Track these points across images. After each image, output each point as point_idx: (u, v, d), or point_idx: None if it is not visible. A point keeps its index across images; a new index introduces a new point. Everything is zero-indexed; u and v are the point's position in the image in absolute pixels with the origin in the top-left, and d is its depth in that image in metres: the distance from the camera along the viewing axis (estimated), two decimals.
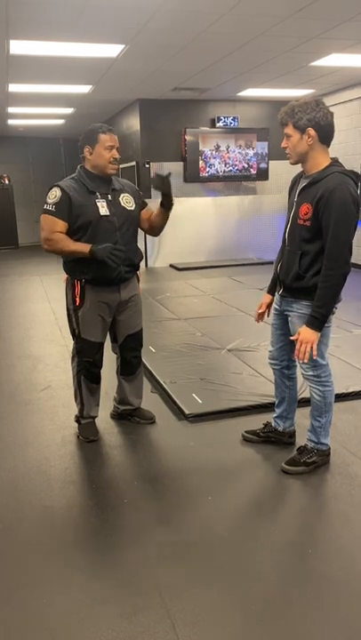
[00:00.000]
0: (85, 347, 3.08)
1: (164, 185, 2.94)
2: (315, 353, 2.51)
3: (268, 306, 2.93)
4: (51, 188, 2.90)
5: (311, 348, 2.49)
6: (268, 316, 2.95)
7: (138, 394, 3.40)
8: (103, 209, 2.90)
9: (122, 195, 3.01)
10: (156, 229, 3.19)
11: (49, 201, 2.86)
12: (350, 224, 2.42)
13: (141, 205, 3.14)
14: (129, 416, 3.41)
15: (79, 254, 2.87)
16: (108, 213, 2.91)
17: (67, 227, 2.87)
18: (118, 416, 3.43)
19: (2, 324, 5.97)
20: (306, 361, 2.58)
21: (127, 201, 3.02)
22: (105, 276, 2.95)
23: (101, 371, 3.21)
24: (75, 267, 2.98)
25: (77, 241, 2.89)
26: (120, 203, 2.98)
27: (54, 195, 2.86)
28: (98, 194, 2.93)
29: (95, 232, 2.90)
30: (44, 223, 2.89)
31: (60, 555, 2.25)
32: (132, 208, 3.03)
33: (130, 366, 3.29)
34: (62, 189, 2.86)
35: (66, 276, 3.07)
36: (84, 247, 2.85)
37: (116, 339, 3.22)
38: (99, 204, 2.90)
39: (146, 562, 2.17)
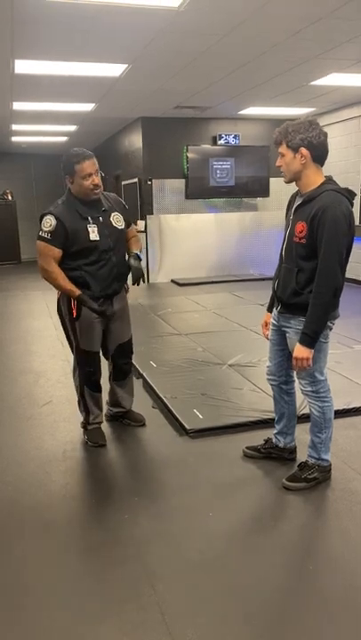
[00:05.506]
0: (85, 358, 3.19)
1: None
2: (309, 364, 2.55)
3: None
4: (44, 216, 2.98)
5: (307, 363, 2.54)
6: None
7: (130, 397, 3.57)
8: (93, 234, 3.01)
9: (112, 214, 3.11)
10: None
11: (44, 229, 2.96)
12: (341, 242, 2.45)
13: (128, 223, 3.26)
14: (121, 418, 3.56)
15: (68, 293, 3.02)
16: (97, 238, 3.01)
17: (62, 253, 2.99)
18: (111, 418, 3.57)
19: (4, 339, 5.99)
20: (303, 375, 2.64)
21: (117, 220, 3.13)
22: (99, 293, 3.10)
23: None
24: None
25: (76, 261, 3.01)
26: (112, 223, 3.09)
27: (49, 223, 2.95)
28: (90, 218, 3.02)
29: (90, 254, 3.03)
30: (40, 250, 2.99)
31: (59, 570, 2.24)
32: (122, 227, 3.16)
33: (122, 372, 3.45)
34: (57, 218, 2.95)
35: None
36: (74, 291, 3.00)
37: (108, 349, 3.34)
38: (90, 229, 3.00)
39: (146, 578, 2.16)
